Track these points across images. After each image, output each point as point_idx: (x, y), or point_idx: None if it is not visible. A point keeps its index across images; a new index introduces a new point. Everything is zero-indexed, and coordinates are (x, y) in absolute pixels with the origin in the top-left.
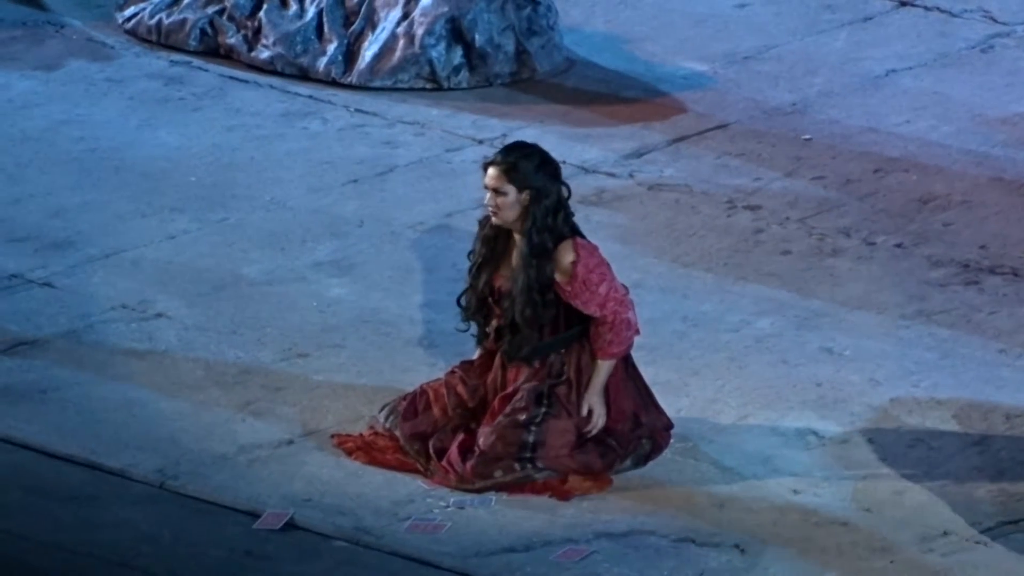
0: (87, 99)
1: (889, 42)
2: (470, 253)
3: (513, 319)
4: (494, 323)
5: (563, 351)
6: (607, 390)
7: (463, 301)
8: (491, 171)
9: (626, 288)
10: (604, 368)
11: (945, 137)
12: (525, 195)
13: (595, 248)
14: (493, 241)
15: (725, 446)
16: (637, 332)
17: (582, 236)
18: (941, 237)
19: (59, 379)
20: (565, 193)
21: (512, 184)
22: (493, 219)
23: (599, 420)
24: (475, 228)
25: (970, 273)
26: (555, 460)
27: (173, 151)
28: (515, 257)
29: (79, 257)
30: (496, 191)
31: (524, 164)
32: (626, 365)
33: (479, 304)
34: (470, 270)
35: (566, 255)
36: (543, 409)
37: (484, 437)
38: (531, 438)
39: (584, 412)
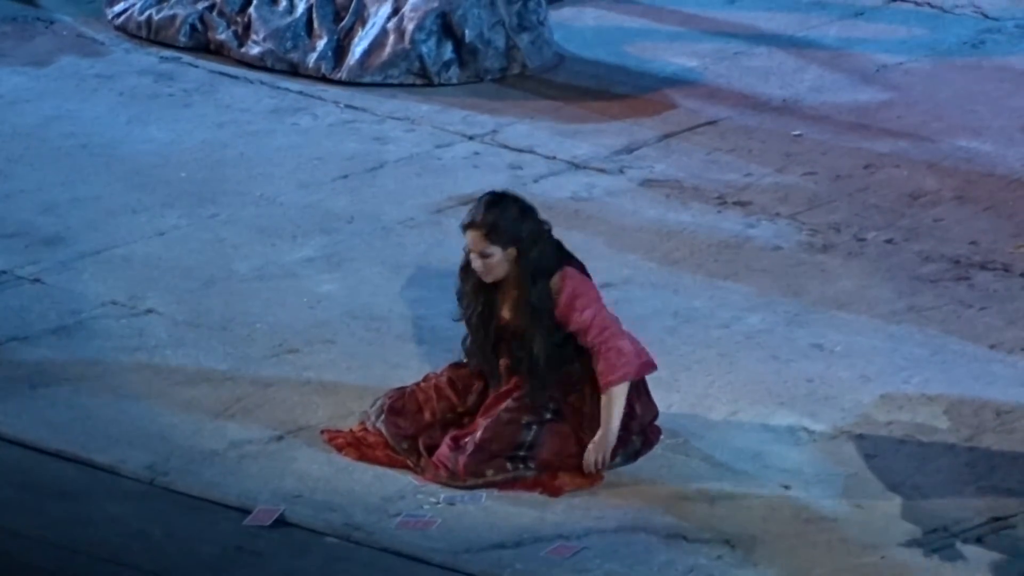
0: (77, 95)
1: (880, 37)
2: (459, 298)
3: (532, 363)
4: (503, 362)
5: (578, 363)
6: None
7: (467, 345)
8: (471, 235)
9: (616, 318)
10: (609, 403)
11: (935, 133)
12: (512, 250)
13: (584, 278)
14: (482, 290)
15: (715, 442)
16: (654, 367)
17: (570, 257)
18: (931, 233)
19: (49, 375)
20: (547, 228)
21: (496, 245)
22: (484, 279)
23: (598, 464)
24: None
25: (961, 269)
26: (548, 463)
27: (163, 147)
28: (515, 299)
29: (69, 253)
30: (481, 254)
31: (503, 221)
32: None
33: (494, 347)
34: (468, 321)
35: (553, 286)
36: (547, 415)
37: (482, 431)
38: (528, 437)
39: (589, 459)
